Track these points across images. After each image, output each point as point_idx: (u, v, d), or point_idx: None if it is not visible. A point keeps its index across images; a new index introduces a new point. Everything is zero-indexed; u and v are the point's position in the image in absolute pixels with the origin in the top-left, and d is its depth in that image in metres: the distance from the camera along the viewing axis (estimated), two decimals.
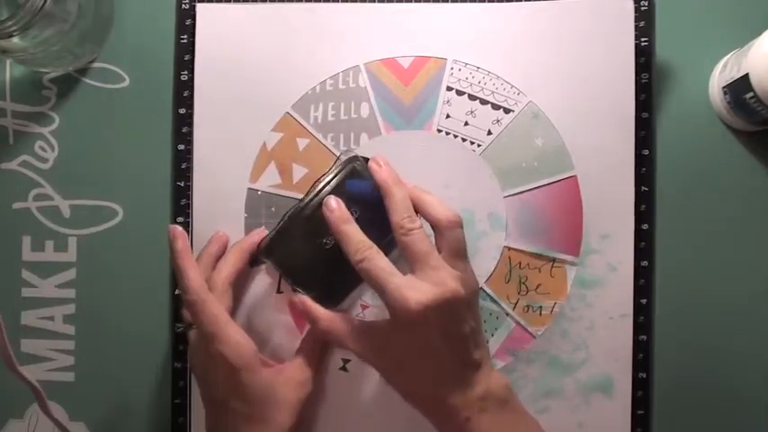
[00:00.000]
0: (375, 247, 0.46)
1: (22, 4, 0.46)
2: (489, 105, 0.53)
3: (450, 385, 0.45)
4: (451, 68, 0.53)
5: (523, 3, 0.53)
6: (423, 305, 0.44)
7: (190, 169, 0.54)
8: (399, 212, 0.46)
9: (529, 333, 0.52)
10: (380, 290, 0.45)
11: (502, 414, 0.46)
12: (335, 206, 0.48)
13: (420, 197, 0.48)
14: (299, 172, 0.53)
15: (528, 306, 0.52)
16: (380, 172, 0.48)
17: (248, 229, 0.53)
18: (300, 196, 0.51)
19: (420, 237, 0.46)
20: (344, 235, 0.47)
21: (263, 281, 0.53)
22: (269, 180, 0.53)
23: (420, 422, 0.48)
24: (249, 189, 0.53)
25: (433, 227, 0.47)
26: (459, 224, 0.47)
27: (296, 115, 0.53)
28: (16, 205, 0.54)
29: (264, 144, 0.53)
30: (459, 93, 0.53)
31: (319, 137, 0.53)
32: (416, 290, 0.44)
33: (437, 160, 0.53)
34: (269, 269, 0.53)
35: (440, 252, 0.46)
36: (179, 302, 0.53)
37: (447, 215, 0.47)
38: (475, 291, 0.47)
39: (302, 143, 0.53)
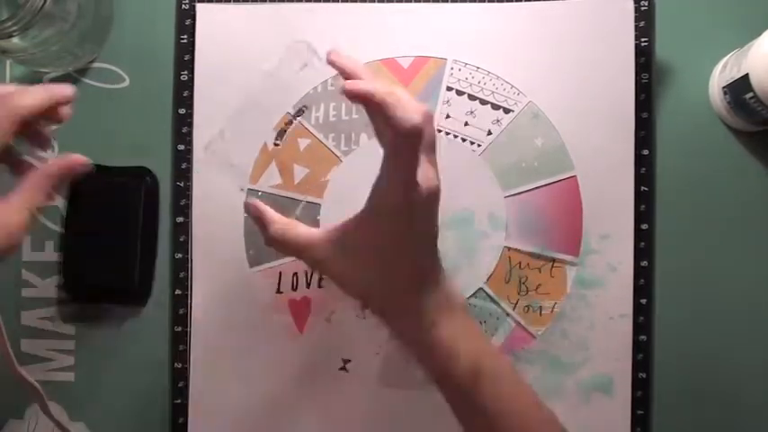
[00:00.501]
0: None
1: (22, 4, 0.46)
2: (489, 105, 0.53)
3: (418, 285, 0.42)
4: (451, 68, 0.53)
5: (523, 3, 0.53)
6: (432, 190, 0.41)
7: (190, 169, 0.54)
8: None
9: (529, 333, 0.52)
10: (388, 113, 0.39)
11: (465, 320, 0.44)
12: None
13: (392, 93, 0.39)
14: (299, 172, 0.53)
15: (528, 306, 0.52)
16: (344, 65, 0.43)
17: (248, 229, 0.53)
18: (301, 197, 0.51)
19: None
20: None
21: (262, 281, 0.53)
22: (269, 180, 0.53)
23: (421, 421, 0.48)
24: (249, 189, 0.53)
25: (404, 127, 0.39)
26: (432, 118, 0.42)
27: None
28: None
29: (265, 144, 0.53)
30: (459, 93, 0.53)
31: (320, 137, 0.53)
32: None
33: (437, 160, 0.53)
34: (267, 271, 0.53)
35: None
36: (179, 301, 0.53)
37: (423, 109, 0.40)
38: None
39: (303, 143, 0.53)
